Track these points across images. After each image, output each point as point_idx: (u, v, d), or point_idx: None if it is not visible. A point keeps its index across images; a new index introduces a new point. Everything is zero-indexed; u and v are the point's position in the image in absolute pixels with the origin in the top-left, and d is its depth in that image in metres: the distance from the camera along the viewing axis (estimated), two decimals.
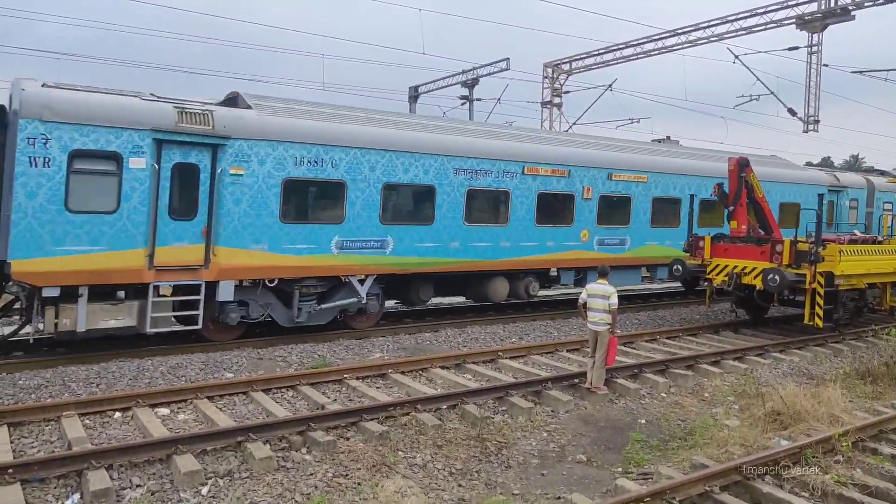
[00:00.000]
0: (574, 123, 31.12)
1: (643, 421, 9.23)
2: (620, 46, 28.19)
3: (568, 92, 31.71)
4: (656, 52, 27.09)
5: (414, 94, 33.87)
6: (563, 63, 31.16)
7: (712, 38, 24.86)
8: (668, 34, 26.38)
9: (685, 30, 25.71)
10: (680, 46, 26.10)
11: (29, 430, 7.74)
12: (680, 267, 14.99)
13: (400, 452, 7.57)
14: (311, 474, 6.94)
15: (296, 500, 6.44)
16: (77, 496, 6.26)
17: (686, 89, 74.48)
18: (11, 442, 7.32)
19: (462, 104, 32.13)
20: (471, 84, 31.53)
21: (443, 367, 10.99)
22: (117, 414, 8.35)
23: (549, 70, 31.55)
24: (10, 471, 6.33)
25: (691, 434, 8.53)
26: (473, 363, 11.32)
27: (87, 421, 8.04)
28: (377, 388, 9.90)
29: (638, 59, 27.93)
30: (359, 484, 6.78)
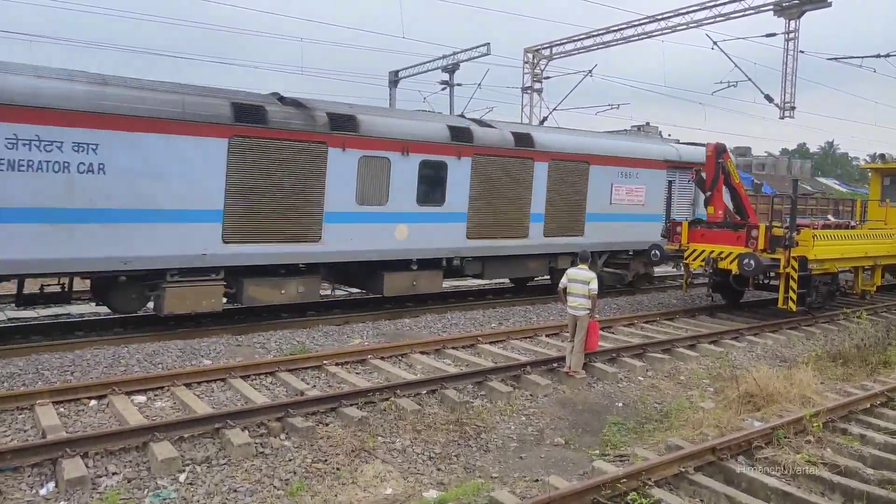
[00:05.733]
0: (554, 109, 31.14)
1: (620, 404, 9.34)
2: (601, 32, 28.20)
3: (548, 77, 31.67)
4: (636, 37, 27.13)
5: (394, 79, 33.60)
6: (544, 48, 31.08)
7: (691, 25, 24.96)
8: (647, 20, 26.43)
9: (665, 16, 25.77)
10: (659, 32, 26.19)
11: (1, 418, 7.62)
12: (658, 252, 15.14)
13: (379, 437, 7.59)
14: (290, 460, 6.94)
15: (274, 486, 6.43)
16: (52, 485, 6.19)
17: (665, 75, 74.92)
18: None
19: (442, 89, 31.94)
20: (451, 69, 31.29)
21: (422, 353, 11.01)
22: (93, 402, 8.25)
23: (530, 55, 31.47)
24: None
25: (667, 416, 8.65)
26: (453, 348, 11.36)
27: (62, 409, 7.93)
28: (356, 373, 9.89)
29: (618, 44, 28.03)
30: (338, 469, 6.79)
